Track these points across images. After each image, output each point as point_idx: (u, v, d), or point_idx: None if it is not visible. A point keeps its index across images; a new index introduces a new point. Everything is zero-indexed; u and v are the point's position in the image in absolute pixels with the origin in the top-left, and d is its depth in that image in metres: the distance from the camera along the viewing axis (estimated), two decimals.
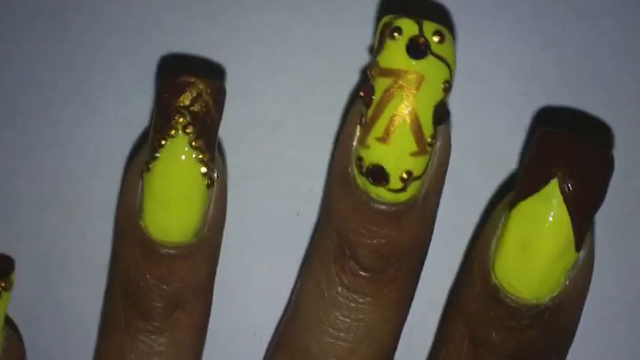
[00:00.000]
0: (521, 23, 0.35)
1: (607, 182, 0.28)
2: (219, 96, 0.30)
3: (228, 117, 0.32)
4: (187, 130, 0.29)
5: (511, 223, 0.28)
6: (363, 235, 0.30)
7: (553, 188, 0.28)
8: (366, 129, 0.29)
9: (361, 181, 0.29)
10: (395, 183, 0.29)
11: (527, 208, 0.28)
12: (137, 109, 0.35)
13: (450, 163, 0.35)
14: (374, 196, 0.29)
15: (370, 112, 0.28)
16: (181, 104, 0.29)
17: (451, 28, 0.35)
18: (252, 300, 0.35)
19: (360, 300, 0.30)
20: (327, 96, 0.35)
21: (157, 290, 0.30)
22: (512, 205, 0.29)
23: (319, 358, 0.31)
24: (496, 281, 0.29)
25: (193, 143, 0.29)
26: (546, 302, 0.29)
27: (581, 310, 0.30)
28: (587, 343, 0.35)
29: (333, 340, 0.31)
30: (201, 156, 0.29)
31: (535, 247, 0.28)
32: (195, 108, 0.29)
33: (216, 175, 0.30)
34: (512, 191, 0.29)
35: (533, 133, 0.33)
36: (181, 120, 0.29)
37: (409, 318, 0.34)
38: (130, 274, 0.31)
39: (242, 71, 0.35)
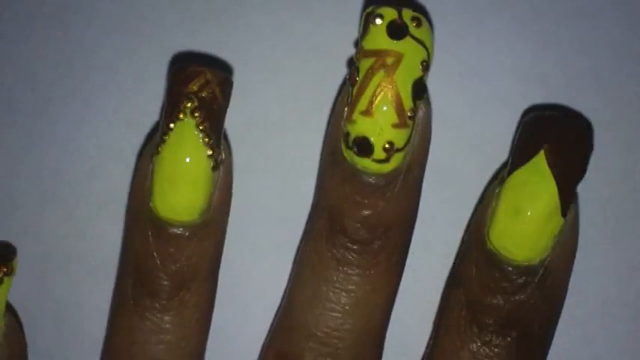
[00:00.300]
0: (521, 23, 0.35)
1: (586, 155, 0.31)
2: (225, 86, 0.31)
3: (229, 116, 0.32)
4: (195, 114, 0.31)
5: (504, 192, 0.31)
6: (351, 207, 0.32)
7: (540, 159, 0.31)
8: (352, 106, 0.31)
9: (348, 154, 0.32)
10: (379, 153, 0.31)
11: (518, 177, 0.31)
12: (137, 109, 0.35)
13: (450, 163, 0.35)
14: (360, 167, 0.31)
15: (355, 90, 0.31)
16: (190, 90, 0.31)
17: (452, 27, 0.35)
18: (252, 300, 0.35)
19: (350, 272, 0.32)
20: (327, 96, 0.35)
21: (164, 269, 0.32)
22: (505, 178, 0.31)
23: (312, 329, 0.32)
24: (491, 246, 0.31)
25: (200, 127, 0.31)
26: (537, 264, 0.31)
27: (569, 275, 0.33)
28: (587, 343, 0.35)
29: (325, 312, 0.32)
30: (207, 139, 0.31)
31: (526, 211, 0.31)
32: (203, 94, 0.31)
33: (222, 158, 0.32)
34: (505, 169, 0.32)
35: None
36: (189, 105, 0.31)
37: (408, 318, 0.34)
38: (140, 253, 0.32)
39: (242, 71, 0.35)
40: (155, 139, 0.32)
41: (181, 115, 0.31)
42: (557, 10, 0.35)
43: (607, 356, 0.35)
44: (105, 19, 0.35)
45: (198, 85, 0.31)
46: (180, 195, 0.31)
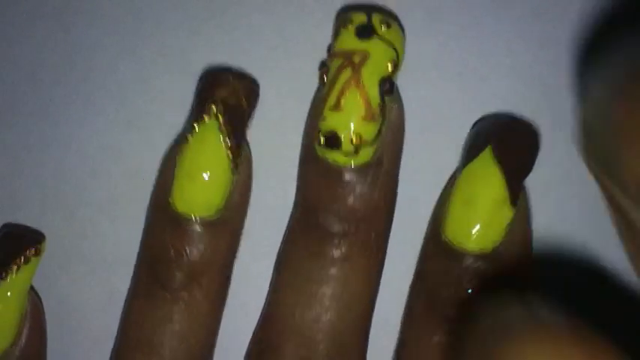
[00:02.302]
0: (521, 23, 0.35)
1: (529, 149, 0.33)
2: (251, 95, 0.33)
3: None
4: (219, 117, 0.32)
5: (456, 185, 0.32)
6: (323, 200, 0.33)
7: (487, 152, 0.32)
8: (322, 103, 0.32)
9: (320, 150, 0.33)
10: (347, 145, 0.32)
11: (468, 171, 0.32)
12: (137, 109, 0.35)
13: (450, 163, 0.35)
14: (330, 161, 0.33)
15: (325, 88, 0.32)
16: (217, 95, 0.32)
17: (452, 27, 0.35)
18: (252, 300, 0.35)
19: (324, 264, 0.33)
20: None
21: (177, 261, 0.33)
22: (457, 174, 0.33)
23: (291, 320, 0.33)
24: (446, 238, 0.33)
25: (223, 128, 0.32)
26: (490, 252, 0.32)
27: (529, 262, 0.34)
28: None
29: (304, 304, 0.33)
30: (228, 140, 0.32)
31: (475, 200, 0.32)
32: (229, 99, 0.32)
33: (242, 161, 0.33)
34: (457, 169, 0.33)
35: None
36: (214, 108, 0.32)
37: (394, 317, 0.34)
38: (156, 246, 0.33)
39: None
40: (180, 139, 0.33)
41: (206, 117, 0.32)
42: (557, 10, 0.35)
43: None
44: (105, 19, 0.36)
45: (226, 91, 0.32)
46: (198, 191, 0.32)
